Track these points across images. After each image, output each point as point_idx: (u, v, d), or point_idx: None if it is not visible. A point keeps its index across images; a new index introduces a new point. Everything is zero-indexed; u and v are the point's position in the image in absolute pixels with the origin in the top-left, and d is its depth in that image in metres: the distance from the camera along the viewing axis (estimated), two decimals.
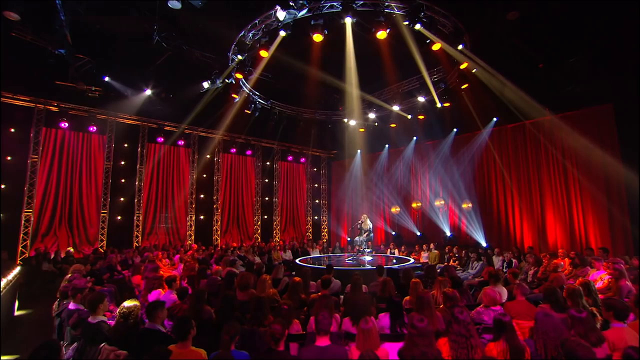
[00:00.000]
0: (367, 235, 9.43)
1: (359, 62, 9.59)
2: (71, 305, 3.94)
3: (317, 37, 6.83)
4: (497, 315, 2.91)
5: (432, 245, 10.36)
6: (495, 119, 10.85)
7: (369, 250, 9.81)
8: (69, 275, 5.09)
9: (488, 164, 11.39)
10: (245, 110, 11.12)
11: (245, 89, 10.75)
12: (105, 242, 10.81)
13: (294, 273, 8.39)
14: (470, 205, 11.55)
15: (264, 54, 7.42)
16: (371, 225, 9.63)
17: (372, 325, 2.84)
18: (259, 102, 11.65)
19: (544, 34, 8.17)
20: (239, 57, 7.98)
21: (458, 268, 9.06)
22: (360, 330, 2.83)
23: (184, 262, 7.99)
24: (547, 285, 4.33)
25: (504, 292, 4.86)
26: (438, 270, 9.27)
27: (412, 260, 9.10)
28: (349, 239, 12.20)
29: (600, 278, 5.80)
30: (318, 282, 5.77)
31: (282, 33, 6.98)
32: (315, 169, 17.59)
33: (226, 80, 9.20)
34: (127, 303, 3.49)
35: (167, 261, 9.09)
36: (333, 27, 7.29)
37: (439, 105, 10.74)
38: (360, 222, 9.66)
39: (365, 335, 2.79)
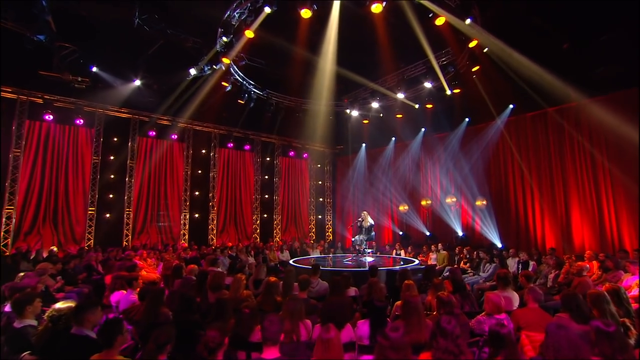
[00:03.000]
0: (367, 233, 8.90)
1: (358, 47, 9.15)
2: (7, 308, 3.57)
3: (306, 13, 6.36)
4: (493, 326, 2.37)
5: (440, 246, 9.74)
6: (511, 106, 10.18)
7: (369, 250, 9.29)
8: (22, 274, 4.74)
9: (504, 156, 10.72)
10: (239, 101, 10.72)
11: (237, 76, 10.37)
12: (92, 240, 10.60)
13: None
14: (484, 202, 10.94)
15: (249, 34, 7.01)
16: (372, 223, 9.11)
17: (333, 335, 2.35)
18: (253, 91, 11.26)
19: (568, 10, 7.48)
20: (224, 39, 7.58)
21: (469, 271, 8.47)
22: (319, 340, 2.35)
23: (164, 261, 7.64)
24: (567, 290, 3.74)
25: (515, 298, 4.30)
26: (446, 274, 8.85)
27: (416, 262, 8.54)
28: (353, 239, 11.73)
29: (636, 284, 5.13)
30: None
31: (267, 9, 6.53)
32: (319, 165, 17.13)
33: (214, 67, 8.81)
34: (60, 305, 3.09)
35: (152, 261, 8.79)
36: (326, 5, 6.82)
37: (448, 92, 10.16)
38: (359, 219, 9.16)
39: (325, 346, 2.30)
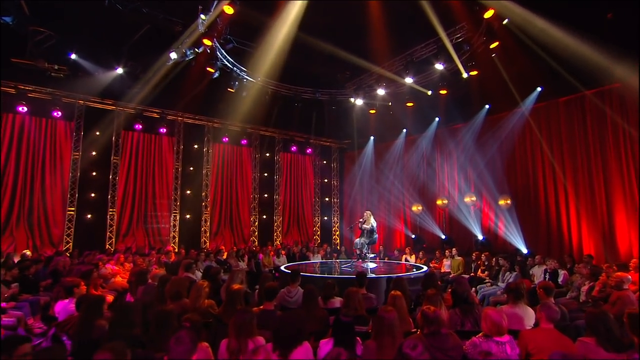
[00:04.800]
0: (368, 236, 8.41)
1: (360, 26, 8.70)
2: None
3: None
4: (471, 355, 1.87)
5: (454, 251, 9.14)
6: (539, 89, 9.49)
7: (372, 255, 8.81)
8: None
9: (533, 149, 10.08)
10: (229, 89, 10.41)
11: (226, 62, 10.05)
12: (71, 243, 10.48)
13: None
14: (508, 201, 10.31)
15: (228, 10, 6.64)
16: (375, 224, 8.62)
17: (262, 356, 1.93)
18: (246, 79, 10.93)
19: None
20: (203, 17, 7.25)
21: (486, 280, 7.85)
22: None
23: (134, 266, 7.36)
24: (594, 309, 3.17)
25: (529, 315, 3.75)
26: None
27: (424, 269, 8.00)
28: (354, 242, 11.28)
29: None
30: (282, 292, 4.98)
31: None
32: (324, 162, 16.71)
33: (196, 50, 8.50)
34: None
35: (130, 266, 8.54)
36: None
37: (464, 75, 9.56)
38: (361, 220, 8.68)
39: None
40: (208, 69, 9.30)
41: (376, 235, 8.77)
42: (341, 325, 2.90)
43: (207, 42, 7.94)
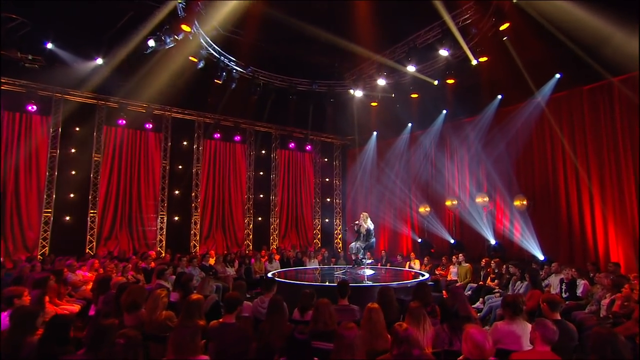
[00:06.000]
0: (365, 240, 8.08)
1: (357, 10, 8.41)
2: None
3: None
4: None
5: (461, 257, 8.75)
6: (557, 76, 9.04)
7: (369, 261, 8.49)
8: None
9: (553, 143, 9.61)
10: (215, 80, 10.17)
11: (212, 51, 9.81)
12: (47, 248, 10.35)
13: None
14: (524, 202, 9.96)
15: None
16: (372, 227, 8.30)
17: None
18: (235, 69, 10.68)
19: None
20: None
21: (496, 290, 7.45)
22: None
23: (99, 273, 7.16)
24: (601, 328, 2.80)
25: (528, 333, 3.36)
26: (468, 292, 7.89)
27: (426, 276, 7.64)
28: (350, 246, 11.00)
29: None
30: (256, 302, 4.75)
31: None
32: (325, 160, 16.42)
33: (176, 37, 8.25)
34: None
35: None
36: None
37: (473, 62, 9.16)
38: (357, 222, 8.36)
39: None
40: (191, 58, 9.05)
41: (374, 239, 8.45)
42: (295, 343, 2.61)
43: (185, 27, 7.69)
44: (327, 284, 6.75)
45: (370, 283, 7.06)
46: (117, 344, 2.87)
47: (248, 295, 6.29)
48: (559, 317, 3.48)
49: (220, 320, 3.78)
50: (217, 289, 7.31)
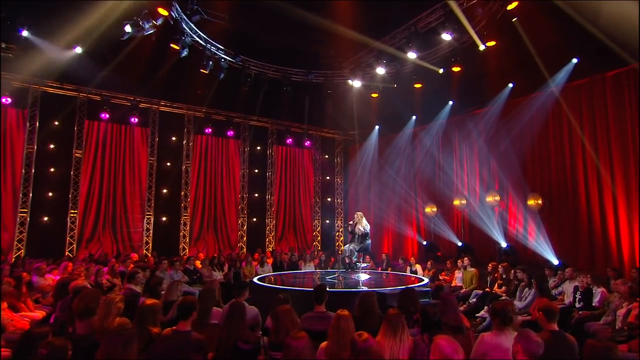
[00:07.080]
0: (359, 242, 7.79)
1: None
2: None
3: None
4: None
5: (466, 261, 8.40)
6: (574, 61, 8.64)
7: (364, 265, 8.20)
8: None
9: (571, 136, 9.19)
10: (201, 70, 9.94)
11: (197, 37, 9.58)
12: (23, 250, 10.24)
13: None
14: (539, 201, 9.63)
15: None
16: (368, 227, 8.01)
17: None
18: (223, 58, 10.44)
19: None
20: None
21: (503, 297, 7.08)
22: None
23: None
24: (596, 341, 2.54)
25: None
26: (473, 300, 7.55)
27: (425, 281, 7.32)
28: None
29: None
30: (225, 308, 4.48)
31: None
32: (326, 156, 16.19)
33: (155, 22, 8.02)
34: None
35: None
36: None
37: (481, 47, 8.81)
38: (352, 222, 8.08)
39: None
40: (172, 45, 8.82)
41: (369, 241, 8.18)
42: (239, 354, 2.34)
43: (162, 11, 7.46)
44: (306, 288, 6.45)
45: (354, 289, 6.77)
46: (39, 355, 2.66)
47: None
48: (557, 328, 3.16)
49: (173, 328, 3.53)
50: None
